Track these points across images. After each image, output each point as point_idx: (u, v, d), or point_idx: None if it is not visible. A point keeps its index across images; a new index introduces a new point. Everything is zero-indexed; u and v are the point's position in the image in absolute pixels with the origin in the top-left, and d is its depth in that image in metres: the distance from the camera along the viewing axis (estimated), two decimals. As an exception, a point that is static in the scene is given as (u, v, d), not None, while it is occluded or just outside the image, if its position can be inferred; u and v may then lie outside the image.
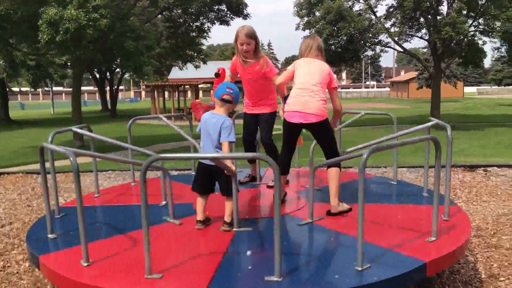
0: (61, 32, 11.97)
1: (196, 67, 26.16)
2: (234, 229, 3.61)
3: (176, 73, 36.63)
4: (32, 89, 38.09)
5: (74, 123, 15.25)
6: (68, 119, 18.22)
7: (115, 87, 38.70)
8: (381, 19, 21.74)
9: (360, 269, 2.81)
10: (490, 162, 9.12)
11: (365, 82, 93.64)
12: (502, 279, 3.79)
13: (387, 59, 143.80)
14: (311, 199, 3.86)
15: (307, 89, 3.99)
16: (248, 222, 3.86)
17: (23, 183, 8.31)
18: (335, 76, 4.23)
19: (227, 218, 3.65)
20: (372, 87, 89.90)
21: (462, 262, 4.09)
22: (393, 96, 69.20)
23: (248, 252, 3.18)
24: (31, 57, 24.69)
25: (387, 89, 77.80)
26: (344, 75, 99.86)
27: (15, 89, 59.74)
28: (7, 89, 32.59)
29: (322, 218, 3.91)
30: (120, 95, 67.13)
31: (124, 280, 2.83)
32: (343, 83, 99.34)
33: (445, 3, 20.75)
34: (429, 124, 4.28)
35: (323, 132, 4.08)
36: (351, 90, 78.53)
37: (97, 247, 3.39)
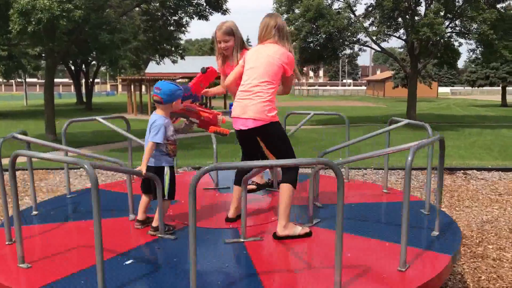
0: (33, 23, 11.53)
1: (174, 61, 25.76)
2: (159, 235, 3.41)
3: (153, 67, 36.14)
4: (5, 80, 37.09)
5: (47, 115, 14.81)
6: (42, 111, 17.68)
7: (91, 80, 37.91)
8: (360, 18, 21.77)
9: None
10: (469, 165, 9.14)
11: (342, 80, 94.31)
12: (490, 292, 3.69)
13: (364, 58, 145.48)
14: (244, 215, 3.31)
15: (247, 90, 3.38)
16: (183, 230, 3.50)
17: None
18: (294, 61, 3.48)
19: (154, 223, 3.47)
20: (349, 85, 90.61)
21: (449, 274, 3.98)
22: (369, 94, 69.80)
23: (129, 261, 2.95)
24: (2, 48, 23.90)
25: (364, 87, 78.50)
26: (321, 72, 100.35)
27: (-14, 80, 58.16)
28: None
29: (260, 240, 3.30)
30: (96, 88, 65.94)
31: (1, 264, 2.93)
32: (320, 80, 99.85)
33: (423, 4, 20.92)
34: (437, 137, 3.26)
35: (267, 139, 3.43)
36: (328, 88, 78.87)
37: (42, 230, 3.60)
